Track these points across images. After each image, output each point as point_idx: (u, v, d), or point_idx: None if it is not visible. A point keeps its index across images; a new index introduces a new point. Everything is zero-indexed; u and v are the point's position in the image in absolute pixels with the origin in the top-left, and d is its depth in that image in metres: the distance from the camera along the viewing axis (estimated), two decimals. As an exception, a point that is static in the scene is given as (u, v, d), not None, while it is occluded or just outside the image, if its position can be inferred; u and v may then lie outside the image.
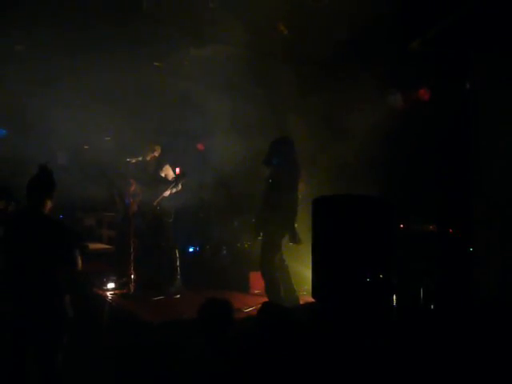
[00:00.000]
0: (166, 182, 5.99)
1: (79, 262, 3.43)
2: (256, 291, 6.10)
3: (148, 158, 6.07)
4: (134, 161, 6.01)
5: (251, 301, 5.67)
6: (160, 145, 6.21)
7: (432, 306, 3.34)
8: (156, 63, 6.70)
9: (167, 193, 5.92)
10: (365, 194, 3.07)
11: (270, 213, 4.84)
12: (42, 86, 7.58)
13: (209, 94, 6.91)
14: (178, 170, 9.24)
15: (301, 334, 2.71)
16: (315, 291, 3.05)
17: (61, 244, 3.30)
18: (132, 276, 5.90)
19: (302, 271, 5.16)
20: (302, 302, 5.11)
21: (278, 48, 5.93)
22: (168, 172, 6.14)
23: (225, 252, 7.02)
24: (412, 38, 5.27)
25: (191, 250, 8.07)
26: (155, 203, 5.88)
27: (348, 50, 5.86)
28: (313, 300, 3.30)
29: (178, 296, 5.85)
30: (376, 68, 5.70)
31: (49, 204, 3.37)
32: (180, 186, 6.07)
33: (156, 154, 6.12)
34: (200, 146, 9.47)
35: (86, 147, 10.42)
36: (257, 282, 6.13)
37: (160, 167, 6.11)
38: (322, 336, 2.77)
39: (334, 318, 2.81)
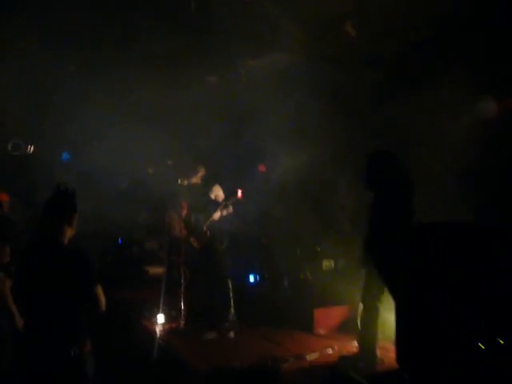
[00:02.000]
0: (215, 204, 5.34)
1: (103, 300, 2.79)
2: (321, 331, 5.17)
3: (195, 180, 5.48)
4: (185, 182, 5.44)
5: (315, 344, 4.77)
6: (203, 164, 5.59)
7: None
8: (210, 77, 6.15)
9: (217, 216, 5.25)
10: (475, 220, 2.18)
11: (376, 245, 3.84)
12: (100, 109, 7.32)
13: (270, 108, 6.24)
14: (239, 192, 8.65)
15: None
16: (401, 356, 2.16)
17: (82, 280, 2.69)
18: (182, 309, 5.24)
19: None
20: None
21: (345, 52, 5.15)
22: (218, 193, 5.48)
23: (286, 283, 6.19)
24: (507, 29, 4.28)
25: (252, 279, 7.32)
26: (205, 228, 5.23)
27: (427, 50, 4.94)
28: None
29: (232, 334, 5.09)
30: (463, 69, 4.75)
31: (69, 232, 2.78)
32: (231, 208, 5.38)
33: (200, 174, 5.52)
34: (261, 167, 8.84)
35: (149, 171, 10.23)
36: (322, 320, 5.23)
37: (209, 188, 5.48)
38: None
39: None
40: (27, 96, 6.95)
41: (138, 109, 7.54)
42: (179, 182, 5.37)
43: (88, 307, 2.78)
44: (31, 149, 8.14)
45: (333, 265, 5.94)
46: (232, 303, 5.34)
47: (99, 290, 2.76)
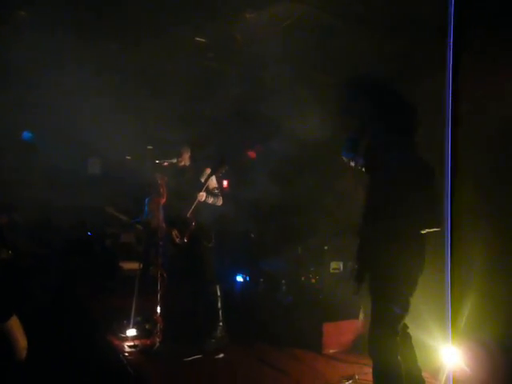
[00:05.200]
0: (208, 192, 4.21)
1: (21, 341, 1.64)
2: (331, 351, 4.11)
3: (182, 163, 4.34)
4: (165, 163, 4.26)
5: (326, 369, 3.70)
6: (189, 145, 4.44)
7: None
8: (199, 38, 4.95)
9: (202, 197, 4.11)
10: None
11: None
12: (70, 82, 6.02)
13: (268, 80, 5.10)
14: (225, 182, 7.52)
15: None
16: None
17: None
18: (158, 324, 4.09)
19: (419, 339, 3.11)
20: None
21: (374, 9, 3.99)
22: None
23: (284, 288, 5.08)
24: None
25: (240, 280, 6.20)
26: (189, 214, 4.08)
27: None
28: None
29: (221, 356, 3.96)
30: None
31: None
32: (220, 200, 4.29)
33: (186, 155, 4.38)
34: (251, 153, 7.74)
35: (128, 157, 9.05)
36: (332, 337, 4.16)
37: (200, 171, 4.33)
38: None
39: None
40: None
41: (111, 82, 6.32)
42: (157, 162, 4.18)
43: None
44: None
45: (341, 267, 4.87)
46: (221, 315, 4.23)
47: (14, 327, 1.61)
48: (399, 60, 4.10)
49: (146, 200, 6.65)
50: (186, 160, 4.34)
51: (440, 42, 3.36)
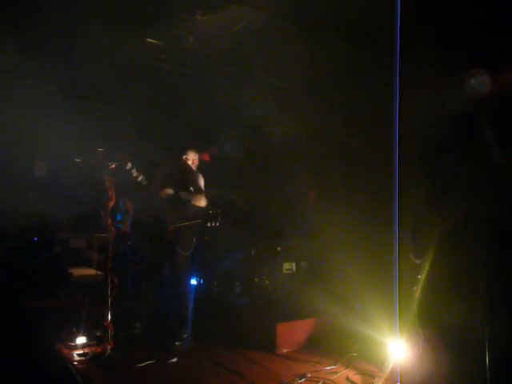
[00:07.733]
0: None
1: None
2: (284, 350, 4.12)
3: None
4: (113, 166, 4.11)
5: (280, 369, 3.70)
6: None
7: None
8: (150, 39, 4.84)
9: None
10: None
11: None
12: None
13: (222, 82, 5.07)
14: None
15: None
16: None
17: None
18: (109, 330, 3.93)
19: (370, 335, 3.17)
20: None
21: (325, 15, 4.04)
22: (195, 157, 4.45)
23: (238, 290, 5.05)
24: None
25: (193, 282, 6.10)
26: (170, 228, 4.06)
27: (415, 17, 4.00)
28: None
29: (174, 360, 3.86)
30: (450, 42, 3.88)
31: None
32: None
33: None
34: (205, 156, 7.65)
35: (77, 160, 8.69)
36: (286, 337, 4.17)
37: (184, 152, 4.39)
38: None
39: None
40: None
41: (60, 83, 6.05)
42: (106, 164, 4.03)
43: None
44: None
45: (294, 268, 4.90)
46: (189, 324, 4.19)
47: None
48: (348, 65, 4.20)
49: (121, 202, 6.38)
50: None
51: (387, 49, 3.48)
